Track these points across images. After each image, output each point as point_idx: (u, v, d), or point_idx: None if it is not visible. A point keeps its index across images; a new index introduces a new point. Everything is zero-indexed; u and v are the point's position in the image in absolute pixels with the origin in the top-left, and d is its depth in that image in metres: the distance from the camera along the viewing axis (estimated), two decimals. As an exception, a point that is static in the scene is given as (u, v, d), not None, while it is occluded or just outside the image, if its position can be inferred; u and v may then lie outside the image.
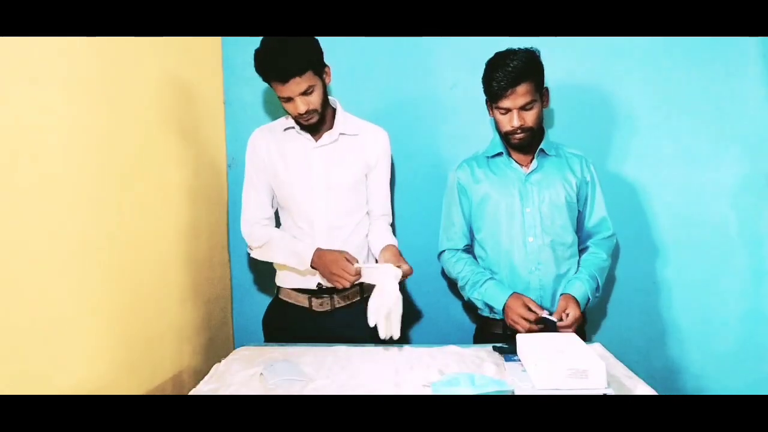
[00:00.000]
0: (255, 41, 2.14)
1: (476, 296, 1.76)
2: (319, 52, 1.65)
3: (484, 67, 1.72)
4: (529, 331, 1.61)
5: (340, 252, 1.62)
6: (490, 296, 1.72)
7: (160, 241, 1.68)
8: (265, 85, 2.12)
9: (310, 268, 1.67)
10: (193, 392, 1.36)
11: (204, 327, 1.97)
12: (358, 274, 1.58)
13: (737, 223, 1.98)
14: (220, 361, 1.55)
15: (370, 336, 1.78)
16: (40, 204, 1.18)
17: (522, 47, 1.67)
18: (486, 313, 1.79)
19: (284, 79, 1.58)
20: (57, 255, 1.23)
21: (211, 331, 2.03)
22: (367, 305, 1.81)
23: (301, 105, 1.62)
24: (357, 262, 1.60)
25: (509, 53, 1.64)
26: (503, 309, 1.68)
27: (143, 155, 1.60)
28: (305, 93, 1.61)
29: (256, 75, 2.12)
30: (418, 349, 1.61)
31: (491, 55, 1.72)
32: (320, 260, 1.64)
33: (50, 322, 1.20)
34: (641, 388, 1.29)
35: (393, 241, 1.75)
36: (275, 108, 2.16)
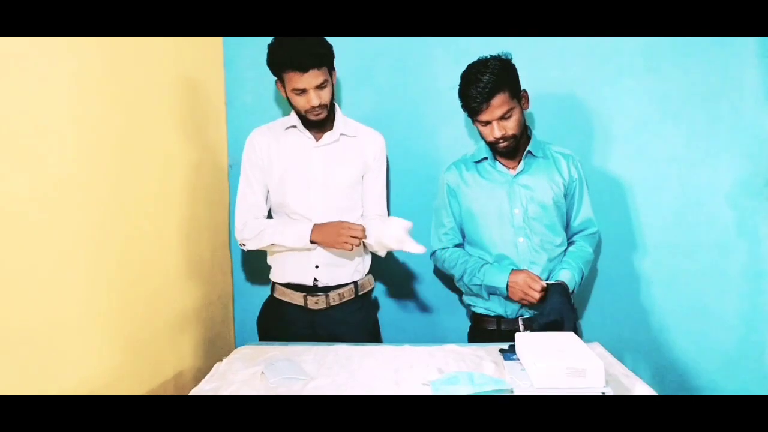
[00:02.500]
0: (256, 41, 2.16)
1: (477, 282, 1.75)
2: (332, 53, 1.69)
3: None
4: (538, 301, 1.63)
5: (339, 221, 1.68)
6: (491, 278, 1.71)
7: (161, 240, 1.69)
8: (267, 85, 2.14)
9: (310, 243, 1.70)
10: (194, 392, 1.36)
11: (205, 326, 1.98)
12: (364, 230, 1.64)
13: (735, 223, 1.98)
14: (221, 360, 1.56)
15: (365, 333, 1.80)
16: (41, 204, 1.19)
17: (495, 55, 1.66)
18: (481, 305, 1.79)
19: (304, 69, 1.60)
20: (58, 255, 1.23)
21: (213, 330, 2.03)
22: (361, 304, 1.82)
23: (315, 98, 1.64)
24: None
25: (480, 65, 1.64)
26: (507, 287, 1.68)
27: (145, 155, 1.60)
28: (320, 86, 1.64)
29: (257, 75, 2.15)
30: (418, 347, 1.61)
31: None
32: (322, 231, 1.69)
33: (51, 322, 1.20)
34: (639, 388, 1.29)
35: None
36: (276, 108, 2.16)
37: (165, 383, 1.65)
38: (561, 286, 1.63)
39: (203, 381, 1.43)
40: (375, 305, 2.01)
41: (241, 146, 2.16)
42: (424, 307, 2.16)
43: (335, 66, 1.72)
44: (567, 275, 1.69)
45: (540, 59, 1.91)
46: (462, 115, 2.07)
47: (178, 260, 1.80)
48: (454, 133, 2.10)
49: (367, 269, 1.87)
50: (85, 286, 1.32)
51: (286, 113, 2.08)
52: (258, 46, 2.13)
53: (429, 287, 2.16)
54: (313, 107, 1.66)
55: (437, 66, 2.10)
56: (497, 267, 1.73)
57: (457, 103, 2.08)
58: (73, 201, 1.29)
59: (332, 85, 1.71)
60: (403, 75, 2.12)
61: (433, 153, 2.10)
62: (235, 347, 1.85)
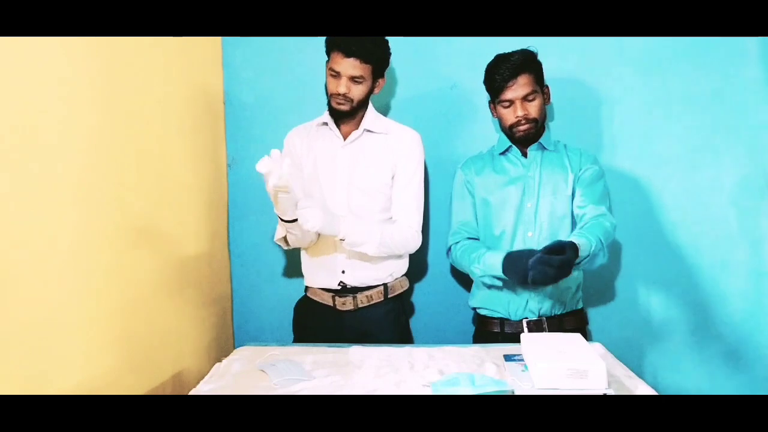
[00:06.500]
0: (256, 41, 2.15)
1: (481, 275, 1.71)
2: (387, 62, 1.73)
3: (483, 67, 1.77)
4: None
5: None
6: (490, 267, 1.67)
7: (160, 240, 1.68)
8: (266, 84, 2.14)
9: (290, 221, 1.63)
10: (193, 392, 1.36)
11: (204, 327, 1.97)
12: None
13: (737, 222, 1.98)
14: (221, 361, 1.55)
15: (393, 336, 1.79)
16: (40, 203, 1.18)
17: (520, 48, 1.72)
18: (486, 307, 1.78)
19: (347, 54, 1.62)
20: (57, 255, 1.23)
21: (212, 330, 2.03)
22: (391, 306, 1.81)
23: (343, 86, 1.65)
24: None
25: (508, 53, 1.72)
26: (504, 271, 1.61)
27: (143, 155, 1.60)
28: (355, 79, 1.65)
29: (256, 75, 2.15)
30: (418, 348, 1.61)
31: (490, 55, 1.75)
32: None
33: (50, 322, 1.20)
34: (642, 388, 1.29)
35: (376, 230, 1.69)
36: (276, 108, 2.15)
37: (164, 383, 1.64)
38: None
39: (203, 381, 1.43)
40: (407, 308, 1.99)
41: (239, 145, 2.16)
42: (430, 309, 2.15)
43: (385, 76, 1.75)
44: (576, 239, 1.54)
45: (543, 59, 1.90)
46: (462, 115, 2.09)
47: (177, 260, 1.80)
48: (455, 133, 2.10)
49: (401, 272, 1.84)
50: (83, 287, 1.31)
51: (285, 113, 2.08)
52: (257, 46, 2.14)
53: (436, 288, 2.15)
54: (338, 93, 1.66)
55: (438, 66, 2.10)
56: (493, 253, 1.68)
57: (458, 103, 2.09)
58: (72, 201, 1.28)
59: (371, 89, 1.72)
60: (403, 75, 2.12)
61: (434, 154, 2.09)
62: (235, 347, 1.85)
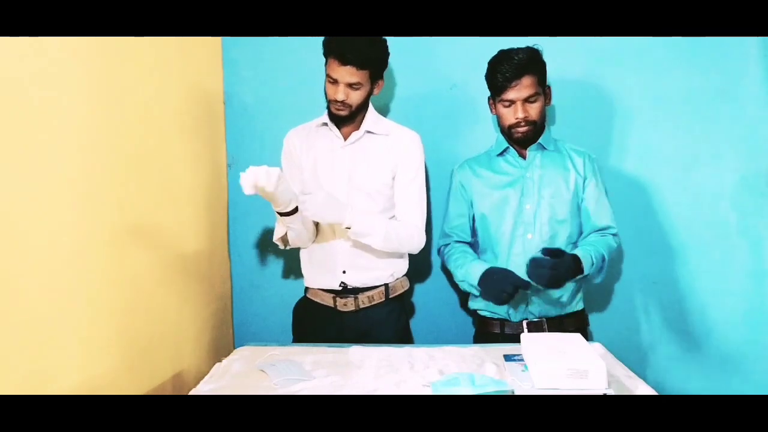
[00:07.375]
0: (256, 41, 2.15)
1: (461, 278, 1.74)
2: (385, 62, 1.72)
3: (483, 67, 1.76)
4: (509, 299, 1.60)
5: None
6: (469, 275, 1.70)
7: (160, 240, 1.68)
8: (266, 84, 2.15)
9: (281, 215, 1.63)
10: (193, 392, 1.36)
11: (204, 327, 1.97)
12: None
13: (737, 223, 1.98)
14: (220, 361, 1.55)
15: (394, 336, 1.78)
16: (39, 203, 1.18)
17: (524, 46, 1.70)
18: (486, 308, 1.79)
19: (343, 62, 1.62)
20: (57, 255, 1.23)
21: (212, 330, 2.03)
22: (392, 307, 1.81)
23: (341, 93, 1.66)
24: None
25: (513, 50, 1.69)
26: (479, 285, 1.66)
27: (143, 155, 1.59)
28: (352, 85, 1.65)
29: (256, 75, 2.15)
30: (418, 348, 1.61)
31: (490, 55, 1.74)
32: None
33: (50, 322, 1.20)
34: (642, 388, 1.29)
35: (388, 224, 1.70)
36: (275, 108, 2.15)
37: (163, 384, 1.64)
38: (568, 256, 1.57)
39: (203, 381, 1.43)
40: (408, 309, 1.98)
41: (239, 145, 2.16)
42: (430, 309, 2.15)
43: (384, 77, 1.75)
44: (579, 252, 1.63)
45: (545, 57, 1.91)
46: (462, 114, 2.09)
47: (177, 260, 1.79)
48: (455, 133, 2.10)
49: (401, 272, 1.84)
50: (83, 287, 1.31)
51: (285, 113, 2.08)
52: (257, 46, 2.14)
53: (436, 288, 2.15)
54: (336, 100, 1.67)
55: (438, 66, 2.10)
56: (477, 265, 1.70)
57: (458, 102, 2.08)
58: (71, 201, 1.28)
59: (370, 92, 1.72)
60: (403, 75, 2.12)
61: (434, 153, 2.09)
62: (235, 347, 1.85)
